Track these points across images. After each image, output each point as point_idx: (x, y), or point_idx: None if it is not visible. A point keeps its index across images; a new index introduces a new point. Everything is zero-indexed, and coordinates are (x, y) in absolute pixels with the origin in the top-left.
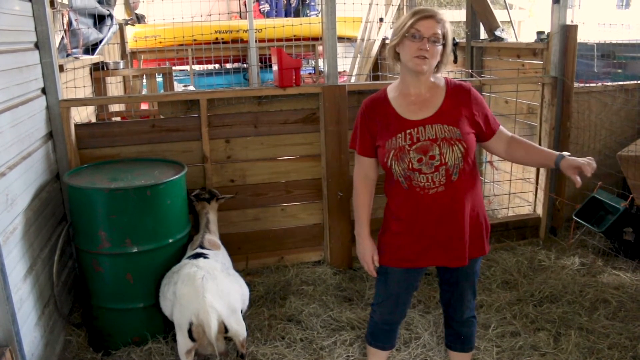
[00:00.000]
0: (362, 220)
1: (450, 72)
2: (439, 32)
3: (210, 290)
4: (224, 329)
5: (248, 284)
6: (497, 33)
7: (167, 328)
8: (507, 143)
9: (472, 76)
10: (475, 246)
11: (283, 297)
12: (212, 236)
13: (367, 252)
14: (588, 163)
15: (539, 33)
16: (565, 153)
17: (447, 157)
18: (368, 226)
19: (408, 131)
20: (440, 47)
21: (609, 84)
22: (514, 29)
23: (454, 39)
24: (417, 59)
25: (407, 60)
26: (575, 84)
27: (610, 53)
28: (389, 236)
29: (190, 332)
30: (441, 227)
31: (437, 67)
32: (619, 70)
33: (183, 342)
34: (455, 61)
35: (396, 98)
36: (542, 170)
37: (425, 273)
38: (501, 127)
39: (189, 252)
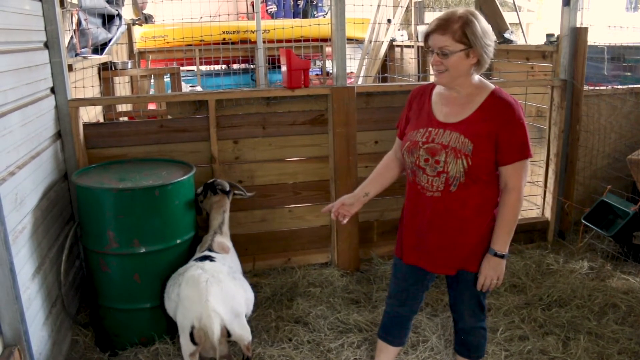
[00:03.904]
0: (363, 184)
1: None
2: (447, 44)
3: (214, 294)
4: (226, 333)
5: (255, 285)
6: (506, 35)
7: (174, 329)
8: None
9: None
10: (475, 259)
11: (290, 299)
12: (223, 238)
13: (341, 199)
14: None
15: (549, 35)
16: (496, 252)
17: (449, 167)
18: (362, 188)
19: (429, 129)
20: (456, 56)
21: (619, 87)
22: (522, 32)
23: None
24: (435, 75)
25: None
26: (585, 87)
27: (619, 56)
28: (399, 225)
29: (192, 335)
30: (431, 231)
31: (477, 67)
32: (628, 73)
33: (186, 345)
34: None
35: (437, 94)
36: (550, 173)
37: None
38: (508, 168)
39: (197, 254)
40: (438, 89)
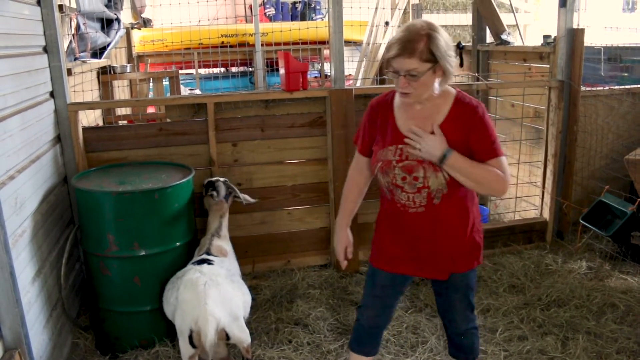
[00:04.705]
0: (343, 212)
1: (457, 76)
2: (415, 66)
3: (212, 297)
4: (225, 336)
5: (255, 287)
6: (504, 37)
7: (174, 331)
8: None
9: (478, 80)
10: (463, 261)
11: (290, 301)
12: (220, 242)
13: (340, 243)
14: None
15: (546, 37)
16: (447, 156)
17: (430, 182)
18: (348, 218)
19: (400, 146)
20: (425, 76)
21: (616, 87)
22: (520, 33)
23: (459, 43)
24: (400, 94)
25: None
26: (582, 88)
27: (616, 56)
28: (376, 235)
29: (191, 338)
30: (419, 244)
31: (442, 80)
32: (625, 74)
33: (185, 348)
34: (461, 65)
35: (400, 107)
36: (548, 174)
37: (417, 282)
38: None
39: (195, 258)
40: (398, 100)
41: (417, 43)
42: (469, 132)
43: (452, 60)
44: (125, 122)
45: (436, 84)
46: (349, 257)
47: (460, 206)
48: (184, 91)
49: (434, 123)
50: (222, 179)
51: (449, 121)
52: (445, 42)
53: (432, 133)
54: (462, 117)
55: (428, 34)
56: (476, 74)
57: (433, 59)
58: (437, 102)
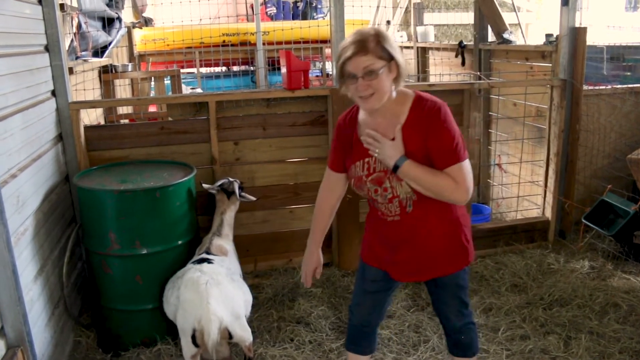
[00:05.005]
0: (314, 232)
1: (459, 75)
2: (371, 62)
3: (214, 296)
4: (228, 335)
5: (257, 286)
6: (505, 36)
7: (175, 329)
8: None
9: (480, 79)
10: (448, 264)
11: (292, 299)
12: (221, 240)
13: (308, 264)
14: None
15: (548, 35)
16: (399, 164)
17: (397, 191)
18: (320, 237)
19: (366, 160)
20: (382, 73)
21: (619, 86)
22: (522, 32)
23: (461, 42)
24: (360, 100)
25: (355, 101)
26: (584, 87)
27: (619, 55)
28: (366, 233)
29: (194, 337)
30: (399, 250)
31: (396, 81)
32: (628, 73)
33: (187, 347)
34: (463, 64)
35: (363, 121)
36: (550, 173)
37: None
38: (446, 171)
39: (196, 257)
40: (363, 115)
41: (369, 42)
42: (426, 137)
43: (402, 61)
44: (126, 120)
45: (393, 89)
46: (317, 277)
47: (438, 211)
48: (186, 90)
49: (397, 125)
50: (231, 179)
51: (408, 128)
52: (394, 43)
53: (393, 139)
54: (420, 123)
55: (377, 34)
56: (478, 73)
57: (386, 56)
58: (396, 110)
